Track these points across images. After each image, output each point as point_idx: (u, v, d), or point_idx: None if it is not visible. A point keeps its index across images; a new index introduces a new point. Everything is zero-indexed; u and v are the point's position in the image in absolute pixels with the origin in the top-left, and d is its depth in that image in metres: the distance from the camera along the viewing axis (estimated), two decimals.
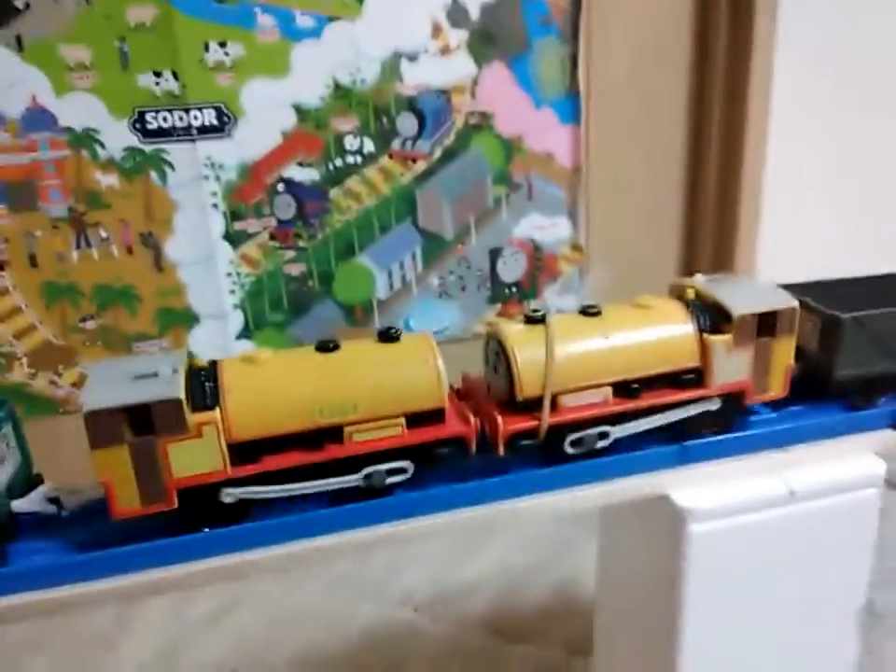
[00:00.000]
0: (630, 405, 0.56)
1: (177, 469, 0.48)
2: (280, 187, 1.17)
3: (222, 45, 1.08)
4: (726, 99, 1.40)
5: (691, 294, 0.59)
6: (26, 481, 0.53)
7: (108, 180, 1.08)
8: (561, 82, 1.30)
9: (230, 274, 1.17)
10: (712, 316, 0.57)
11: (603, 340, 0.55)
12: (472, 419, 0.53)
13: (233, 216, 1.15)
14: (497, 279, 1.36)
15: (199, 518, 0.51)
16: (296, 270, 1.21)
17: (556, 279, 1.41)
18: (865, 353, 0.61)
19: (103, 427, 0.46)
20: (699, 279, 0.61)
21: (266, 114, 1.13)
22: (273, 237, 1.18)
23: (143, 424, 0.46)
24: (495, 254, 1.35)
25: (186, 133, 1.09)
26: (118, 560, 0.50)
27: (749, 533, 0.58)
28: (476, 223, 1.32)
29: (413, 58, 1.19)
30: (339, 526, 0.53)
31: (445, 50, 1.21)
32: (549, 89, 1.30)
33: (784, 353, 0.58)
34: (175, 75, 1.07)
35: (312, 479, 0.51)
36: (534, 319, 0.56)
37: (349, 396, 0.50)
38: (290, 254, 1.20)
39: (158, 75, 1.06)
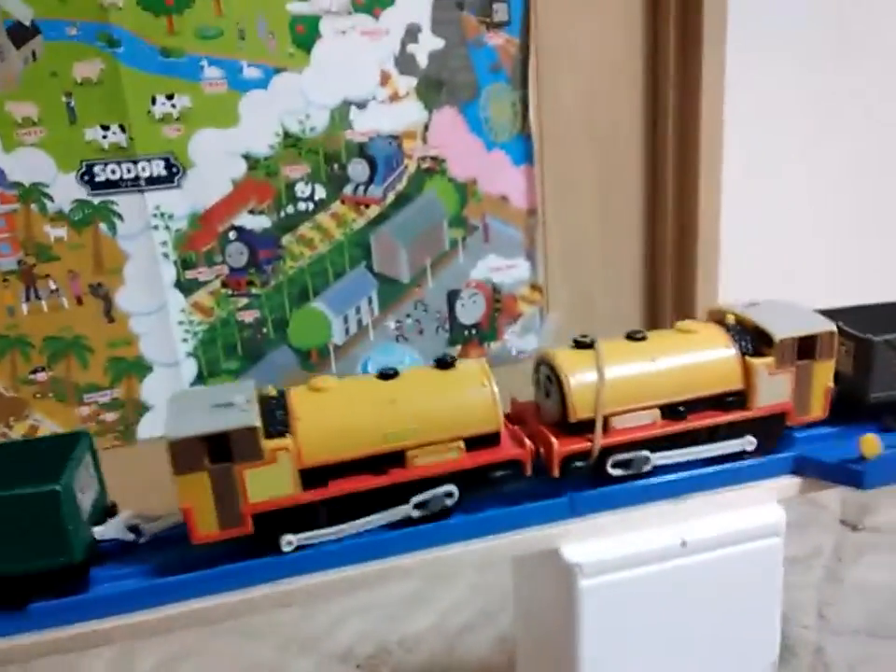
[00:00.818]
0: (678, 426, 0.57)
1: (253, 494, 0.50)
2: (232, 235, 1.17)
3: (169, 97, 1.10)
4: (679, 135, 1.42)
5: (731, 319, 0.61)
6: (102, 509, 0.55)
7: (57, 232, 1.09)
8: (512, 125, 1.32)
9: (182, 323, 1.17)
10: (753, 340, 0.59)
11: (650, 363, 0.57)
12: (527, 442, 0.55)
13: (184, 264, 1.16)
14: (456, 321, 1.36)
15: (271, 542, 0.52)
16: (249, 317, 1.21)
17: (516, 320, 1.41)
18: None
19: (185, 454, 0.48)
20: (737, 304, 0.63)
21: (215, 163, 1.14)
22: (225, 285, 1.18)
23: (222, 451, 0.49)
24: (453, 296, 1.35)
25: (134, 185, 1.10)
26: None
27: (643, 586, 0.56)
28: (432, 266, 1.32)
29: (362, 105, 1.21)
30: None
31: (395, 97, 1.23)
32: (500, 132, 1.32)
33: (824, 375, 0.60)
34: (122, 127, 1.08)
35: (372, 502, 0.53)
36: (583, 344, 0.58)
37: (411, 421, 0.53)
38: (243, 301, 1.20)
39: (105, 128, 1.08)
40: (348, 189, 1.23)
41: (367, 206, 1.25)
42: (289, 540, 0.52)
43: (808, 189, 1.50)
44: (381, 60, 1.21)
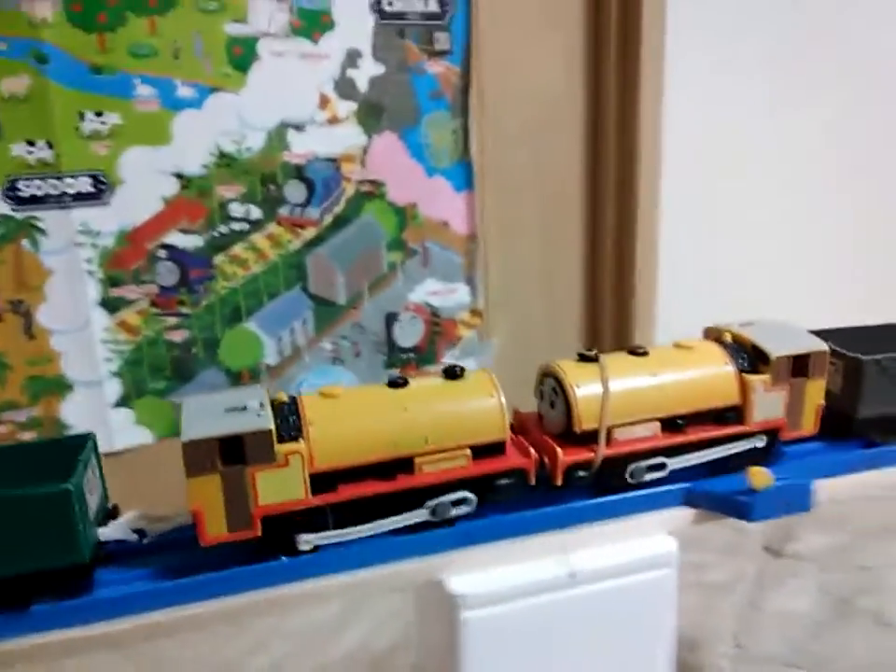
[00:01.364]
0: (677, 439, 0.60)
1: (263, 497, 0.51)
2: (162, 253, 1.16)
3: (98, 114, 1.09)
4: (619, 165, 1.44)
5: (728, 337, 0.64)
6: (105, 510, 0.56)
7: None
8: (453, 151, 1.33)
9: (106, 341, 1.15)
10: (750, 358, 0.62)
11: (651, 377, 0.60)
12: (532, 451, 0.57)
13: (111, 282, 1.14)
14: (394, 344, 1.36)
15: (279, 546, 0.53)
16: (179, 336, 1.19)
17: (455, 344, 1.41)
18: (885, 393, 0.65)
19: (198, 456, 0.49)
20: (734, 324, 0.66)
21: (146, 181, 1.13)
22: (154, 304, 1.17)
23: (234, 454, 0.50)
24: (391, 319, 1.34)
25: (59, 201, 1.08)
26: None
27: (529, 617, 0.56)
28: (370, 289, 1.32)
29: (300, 128, 1.21)
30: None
31: (333, 120, 1.23)
32: (441, 158, 1.33)
33: (815, 392, 0.63)
34: (49, 144, 1.07)
35: (379, 508, 0.55)
36: (587, 357, 0.60)
37: (420, 429, 0.54)
38: (173, 321, 1.18)
39: (31, 144, 1.06)
40: (284, 211, 1.23)
41: (303, 228, 1.25)
42: (307, 539, 0.53)
43: (750, 213, 1.53)
44: (320, 83, 1.21)
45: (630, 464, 0.59)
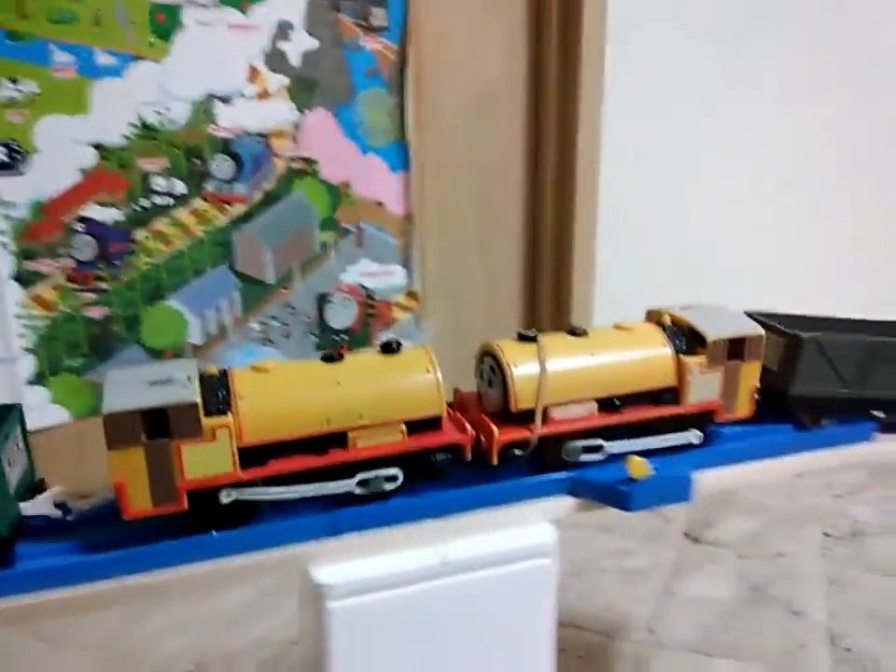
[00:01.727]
0: (614, 419, 0.60)
1: (189, 470, 0.49)
2: (79, 226, 1.12)
3: (13, 81, 1.05)
4: (559, 141, 1.43)
5: (667, 319, 0.64)
6: (30, 485, 0.54)
7: None
8: (389, 130, 1.31)
9: (20, 317, 1.11)
10: (687, 340, 0.62)
11: (590, 357, 0.60)
12: (468, 427, 0.56)
13: (25, 255, 1.10)
14: (326, 326, 1.33)
15: (204, 520, 0.52)
16: (98, 313, 1.16)
17: (390, 326, 1.39)
18: (820, 373, 0.65)
19: (120, 428, 0.48)
20: (674, 306, 0.65)
21: (63, 152, 1.09)
22: (70, 279, 1.13)
23: (159, 427, 0.48)
24: (322, 300, 1.32)
25: None
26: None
27: (399, 607, 0.54)
28: (301, 269, 1.29)
29: (227, 100, 1.18)
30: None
31: (263, 95, 1.20)
32: (376, 137, 1.30)
33: (751, 375, 0.63)
34: None
35: (309, 483, 0.53)
36: (526, 337, 0.60)
37: (355, 403, 0.53)
38: (91, 296, 1.15)
39: None
40: (211, 186, 1.20)
41: (230, 204, 1.22)
42: (228, 493, 0.51)
43: (688, 195, 1.52)
44: (249, 55, 1.18)
45: (566, 443, 0.59)
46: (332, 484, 0.54)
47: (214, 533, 0.52)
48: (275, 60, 1.20)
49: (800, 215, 1.60)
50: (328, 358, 0.55)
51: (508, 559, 0.56)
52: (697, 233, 1.54)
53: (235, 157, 1.20)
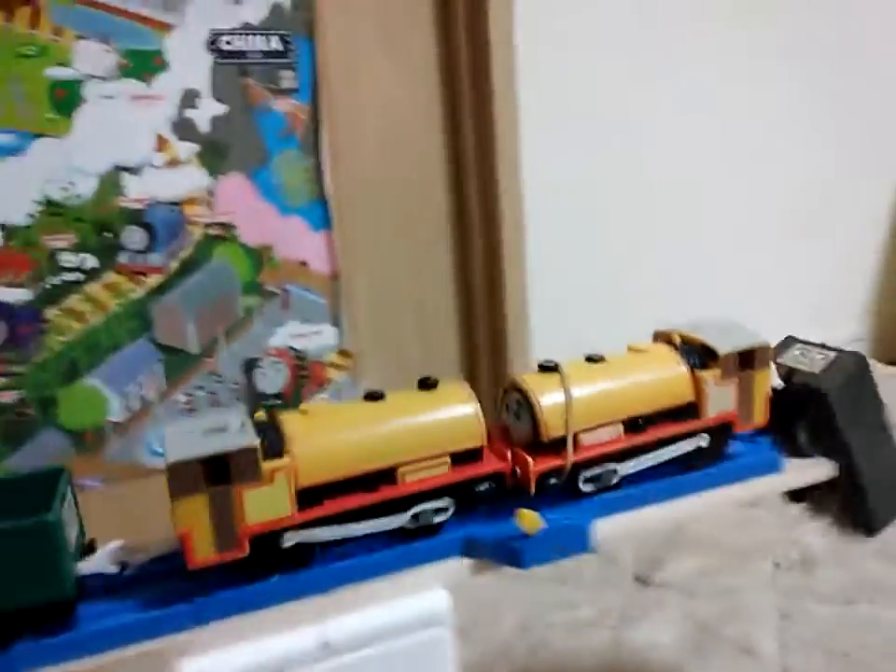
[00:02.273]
0: (640, 439, 0.62)
1: (250, 515, 0.50)
2: None
3: None
4: (481, 183, 1.43)
5: (677, 338, 0.67)
6: (83, 546, 0.55)
7: None
8: (307, 190, 1.30)
9: None
10: (700, 356, 0.65)
11: (611, 381, 0.62)
12: (508, 456, 0.59)
13: None
14: (256, 391, 1.30)
15: (265, 565, 0.53)
16: (9, 397, 1.11)
17: (325, 387, 1.36)
18: None
19: (183, 478, 0.48)
20: (682, 325, 0.69)
21: None
22: None
23: (220, 473, 0.49)
24: (250, 365, 1.29)
25: None
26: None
27: None
28: (226, 335, 1.26)
29: (135, 171, 1.16)
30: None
31: (173, 163, 1.19)
32: (295, 197, 1.29)
33: (762, 384, 0.66)
34: None
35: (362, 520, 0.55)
36: (547, 368, 0.62)
37: (403, 439, 0.56)
38: (1, 381, 1.10)
39: None
40: (124, 258, 1.17)
41: (146, 275, 1.19)
42: (289, 538, 0.52)
43: (615, 224, 1.53)
44: (155, 125, 1.17)
45: (594, 467, 0.61)
46: (385, 520, 0.55)
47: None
48: (183, 128, 1.19)
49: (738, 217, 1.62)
50: (370, 397, 0.58)
51: (396, 633, 0.53)
52: (627, 258, 1.54)
53: (148, 227, 1.18)
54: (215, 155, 1.22)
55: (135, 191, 1.17)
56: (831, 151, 1.82)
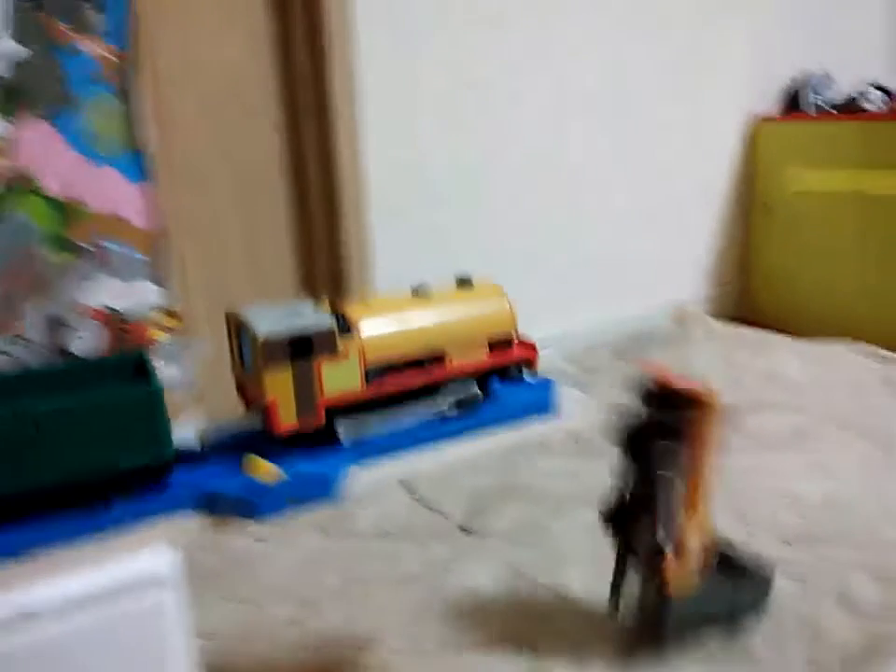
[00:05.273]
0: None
1: (328, 388, 0.59)
2: None
3: None
4: (318, 133, 1.37)
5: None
6: None
7: None
8: (123, 139, 1.22)
9: None
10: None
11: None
12: (534, 345, 0.69)
13: None
14: (69, 354, 1.21)
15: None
16: None
17: (149, 347, 1.28)
18: None
19: (274, 353, 0.57)
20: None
21: None
22: None
23: (303, 350, 0.59)
24: (59, 326, 1.20)
25: None
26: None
27: None
28: (31, 294, 1.17)
29: None
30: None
31: None
32: (108, 147, 1.21)
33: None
34: None
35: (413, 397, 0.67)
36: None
37: (450, 327, 0.68)
38: None
39: None
40: None
41: None
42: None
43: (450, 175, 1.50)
44: None
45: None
46: (428, 404, 0.67)
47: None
48: None
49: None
50: (416, 293, 0.69)
51: (109, 597, 0.46)
52: (462, 212, 1.51)
53: None
54: (11, 100, 1.13)
55: None
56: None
